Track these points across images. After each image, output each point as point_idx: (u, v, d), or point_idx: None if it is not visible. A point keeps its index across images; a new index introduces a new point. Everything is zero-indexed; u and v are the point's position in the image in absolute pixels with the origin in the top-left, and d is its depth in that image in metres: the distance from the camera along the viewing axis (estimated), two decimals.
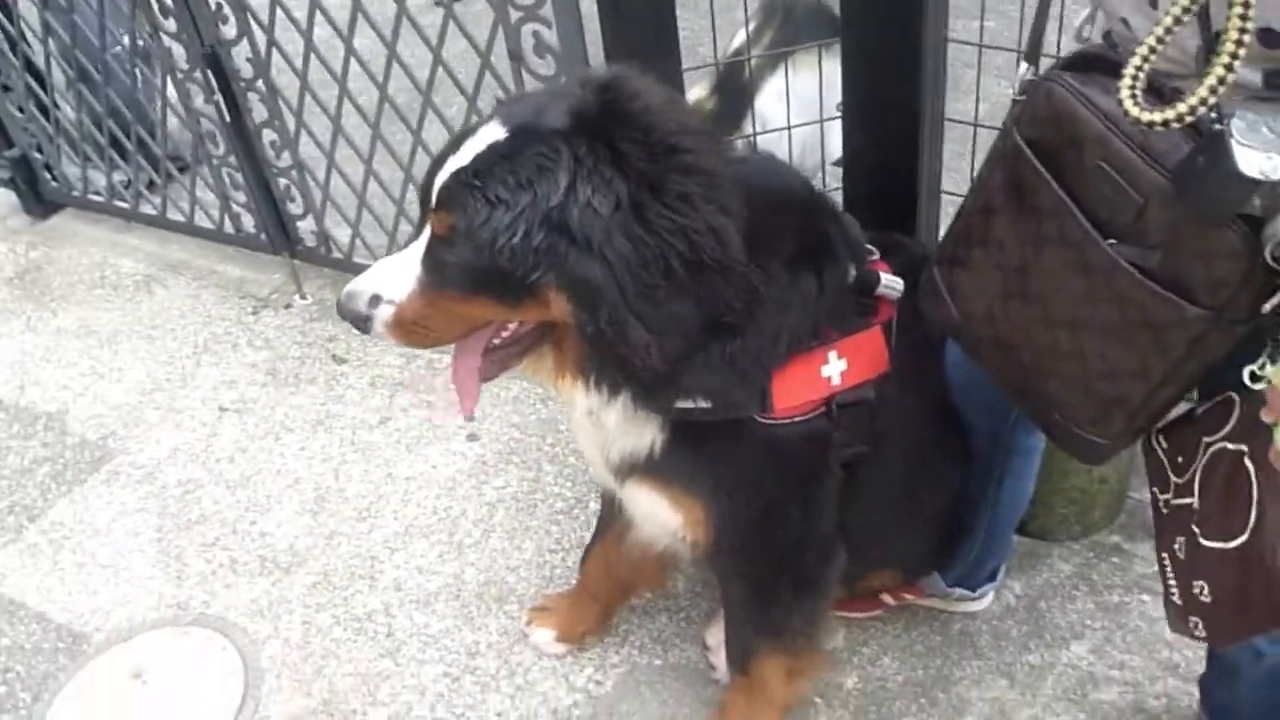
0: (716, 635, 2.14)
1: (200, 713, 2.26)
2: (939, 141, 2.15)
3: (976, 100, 2.25)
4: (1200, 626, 1.30)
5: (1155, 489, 1.36)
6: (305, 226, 3.30)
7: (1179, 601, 1.33)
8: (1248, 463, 1.18)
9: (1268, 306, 1.09)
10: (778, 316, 1.50)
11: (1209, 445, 1.23)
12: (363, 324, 1.47)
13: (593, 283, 1.34)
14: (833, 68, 2.13)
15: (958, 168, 2.53)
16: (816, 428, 1.61)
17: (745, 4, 2.56)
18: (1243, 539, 1.19)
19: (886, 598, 2.18)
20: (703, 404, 1.54)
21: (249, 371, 3.14)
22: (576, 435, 1.88)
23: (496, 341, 1.54)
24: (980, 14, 2.37)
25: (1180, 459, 1.29)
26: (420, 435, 2.84)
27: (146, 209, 3.73)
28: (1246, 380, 1.15)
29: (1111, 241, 1.14)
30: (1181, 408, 1.33)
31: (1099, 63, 1.19)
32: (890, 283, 1.63)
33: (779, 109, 2.55)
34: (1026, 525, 2.32)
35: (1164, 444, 1.32)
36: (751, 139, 2.59)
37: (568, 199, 1.32)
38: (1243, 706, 1.73)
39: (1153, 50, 1.02)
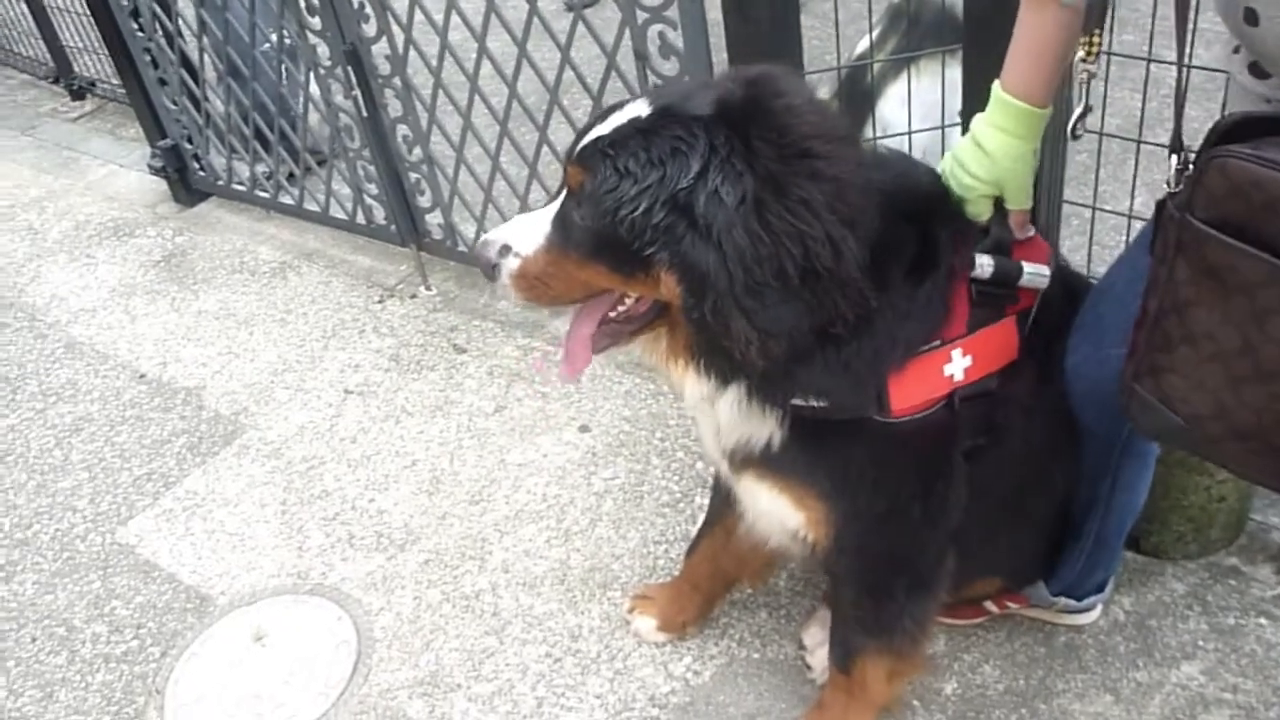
0: (814, 635, 2.15)
1: (315, 676, 2.37)
2: (1062, 150, 2.13)
3: (1103, 111, 2.22)
4: None
5: None
6: (433, 220, 3.42)
7: None
8: None
9: None
10: (894, 323, 1.50)
11: None
12: (490, 271, 1.55)
13: (704, 269, 1.37)
14: (956, 73, 2.14)
15: (1085, 180, 2.50)
16: (938, 421, 1.61)
17: (870, 9, 2.57)
18: None
19: (990, 605, 2.16)
20: (818, 403, 1.55)
21: (374, 357, 3.27)
22: (696, 421, 1.91)
23: (613, 314, 1.59)
24: (1110, 22, 2.33)
25: None
26: (534, 424, 2.92)
27: (285, 199, 3.91)
28: None
29: None
30: None
31: (1254, 126, 1.18)
32: (1034, 272, 1.62)
33: (901, 114, 2.55)
34: (1141, 542, 2.28)
35: None
36: (872, 144, 2.60)
37: (697, 183, 1.36)
38: None
39: None
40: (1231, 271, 1.19)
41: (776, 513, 1.74)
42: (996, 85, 1.57)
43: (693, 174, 1.36)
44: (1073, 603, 2.09)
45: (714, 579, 2.22)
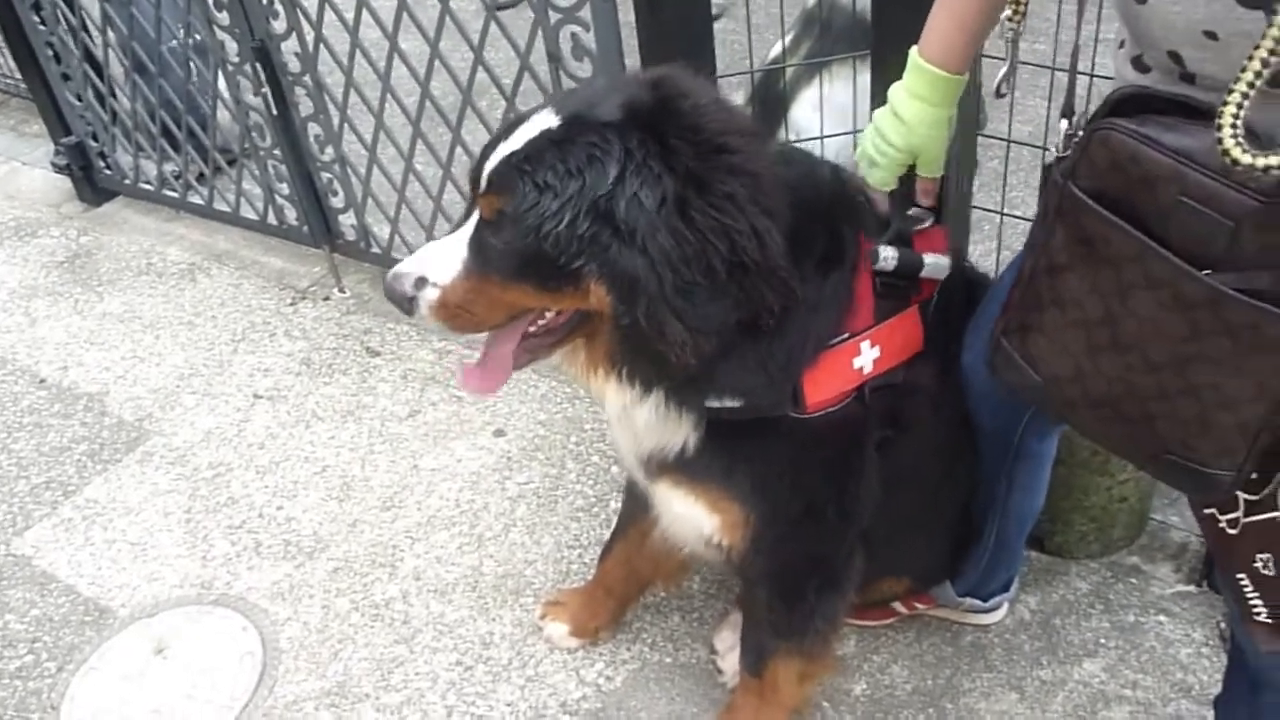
0: (725, 639, 2.15)
1: (218, 689, 2.30)
2: (971, 154, 2.15)
3: (1010, 119, 2.25)
4: None
5: (1214, 510, 1.33)
6: (346, 221, 3.36)
7: (1270, 620, 1.30)
8: None
9: None
10: (809, 318, 1.51)
11: None
12: (407, 305, 1.50)
13: (633, 274, 1.35)
14: (868, 79, 2.15)
15: (995, 186, 2.54)
16: (850, 414, 1.61)
17: (783, 14, 2.58)
18: None
19: (899, 606, 2.18)
20: (733, 403, 1.55)
21: (284, 360, 3.20)
22: (612, 430, 1.90)
23: (532, 329, 1.56)
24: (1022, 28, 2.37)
25: (1255, 475, 1.27)
26: (448, 429, 2.88)
27: (194, 199, 3.81)
28: None
29: (1207, 273, 1.13)
30: None
31: (1142, 102, 1.19)
32: (934, 263, 1.64)
33: (814, 118, 2.57)
34: (1045, 542, 2.32)
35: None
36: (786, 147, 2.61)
37: (615, 190, 1.35)
38: None
39: (1245, 95, 1.01)
40: (1104, 243, 1.21)
41: (692, 518, 1.74)
42: (914, 52, 1.58)
43: (611, 180, 1.35)
44: (978, 603, 2.12)
45: (627, 583, 2.21)
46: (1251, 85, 1.01)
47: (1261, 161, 1.01)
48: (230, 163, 3.67)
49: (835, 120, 2.47)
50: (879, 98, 2.04)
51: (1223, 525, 1.32)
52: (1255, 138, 1.03)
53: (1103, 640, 2.17)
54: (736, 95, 2.85)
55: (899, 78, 1.62)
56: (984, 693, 2.11)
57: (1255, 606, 1.32)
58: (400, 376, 3.08)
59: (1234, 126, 1.02)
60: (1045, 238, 1.29)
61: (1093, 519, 2.25)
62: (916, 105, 1.59)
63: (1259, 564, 1.29)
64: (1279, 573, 1.28)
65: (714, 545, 1.77)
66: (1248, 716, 1.73)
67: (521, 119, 1.46)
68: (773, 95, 2.76)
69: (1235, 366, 1.17)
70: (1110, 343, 1.26)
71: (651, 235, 1.34)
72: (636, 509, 2.04)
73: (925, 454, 1.78)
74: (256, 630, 2.42)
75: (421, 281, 1.49)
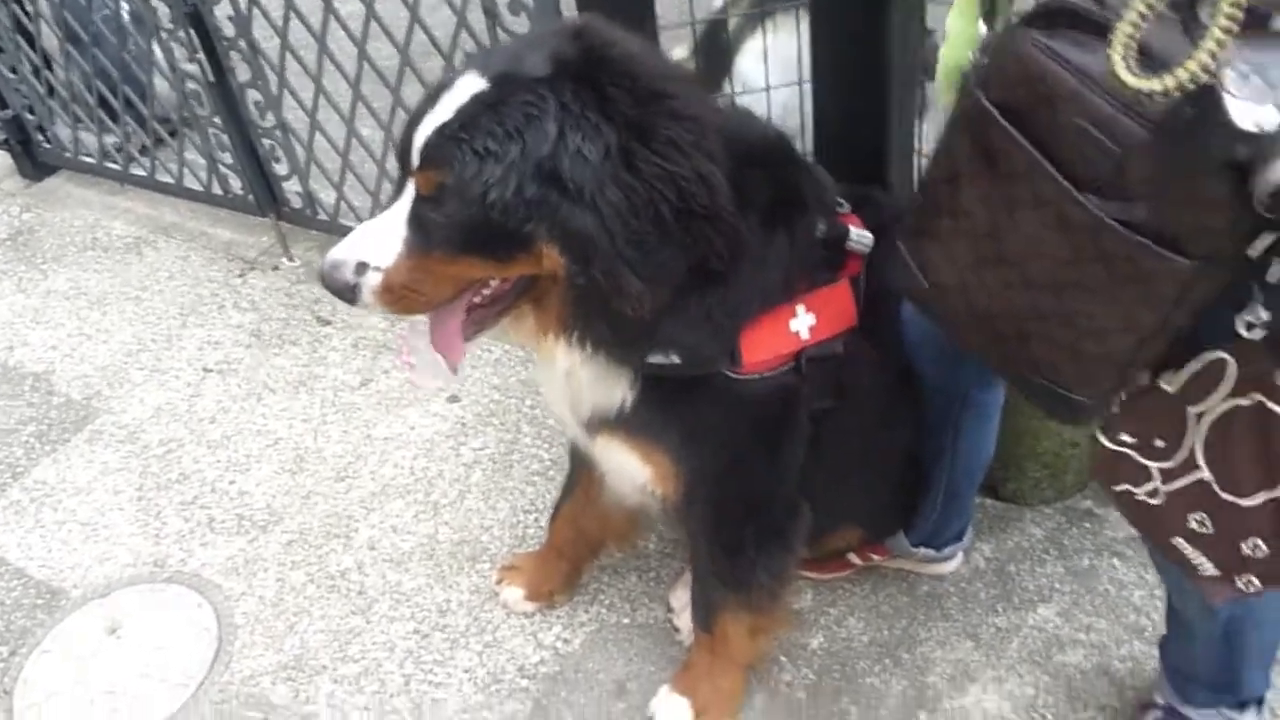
0: (680, 598, 2.15)
1: (174, 667, 2.28)
2: (911, 99, 2.12)
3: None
4: (1257, 580, 1.27)
5: (1128, 485, 1.32)
6: (291, 188, 3.30)
7: (1217, 571, 1.30)
8: (1274, 406, 1.15)
9: (1255, 250, 1.06)
10: (752, 271, 1.49)
11: (1202, 414, 1.21)
12: (349, 294, 1.43)
13: (585, 232, 1.32)
14: None
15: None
16: (785, 382, 1.61)
17: None
18: None
19: (853, 558, 2.18)
20: (674, 359, 1.53)
21: (234, 333, 3.15)
22: (546, 393, 1.87)
23: (477, 300, 1.52)
24: None
25: (1161, 442, 1.25)
26: (400, 397, 2.85)
27: (137, 171, 3.73)
28: (1242, 331, 1.12)
29: (1091, 198, 1.11)
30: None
31: (1063, 15, 1.15)
32: (859, 237, 1.62)
33: (759, 70, 2.52)
34: (999, 489, 2.32)
35: (1130, 438, 1.29)
36: (731, 100, 2.57)
37: (558, 148, 1.31)
38: (1199, 666, 1.72)
39: (1143, 16, 0.98)
40: (1004, 157, 1.19)
41: (628, 469, 1.73)
42: None
43: (552, 138, 1.31)
44: (933, 553, 2.12)
45: (578, 544, 2.20)
46: (1150, 6, 0.98)
47: (1145, 85, 0.98)
48: (172, 133, 3.59)
49: (781, 71, 2.42)
50: (821, 47, 2.01)
51: (1141, 498, 1.32)
52: (1150, 61, 1.01)
53: (1057, 585, 2.18)
54: (679, 48, 2.80)
55: (841, 27, 1.57)
56: (940, 641, 2.12)
57: (1199, 563, 1.32)
58: (352, 345, 3.04)
59: (1126, 47, 0.99)
60: (950, 145, 1.27)
61: (1045, 465, 2.24)
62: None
63: (1194, 524, 1.29)
64: (1216, 528, 1.27)
65: (651, 496, 1.76)
66: (1186, 654, 1.75)
67: (444, 85, 1.41)
68: (717, 47, 2.70)
69: (1108, 296, 1.16)
70: (995, 257, 1.25)
71: (600, 190, 1.31)
72: (581, 470, 2.03)
73: (866, 414, 1.77)
74: (211, 606, 2.39)
75: (362, 266, 1.43)
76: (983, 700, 2.01)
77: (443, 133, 1.36)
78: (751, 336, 1.55)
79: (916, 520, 2.04)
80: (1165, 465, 1.27)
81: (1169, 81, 0.96)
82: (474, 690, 2.15)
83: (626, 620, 2.23)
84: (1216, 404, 1.19)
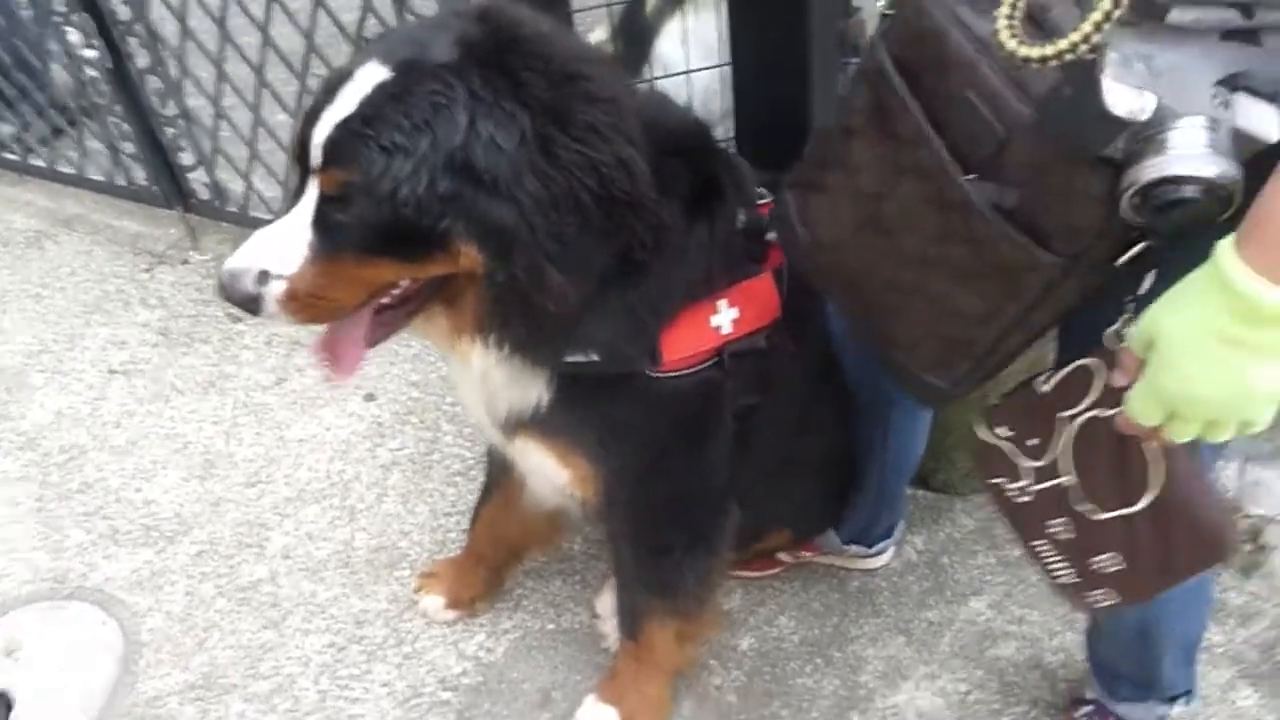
0: (606, 603, 2.08)
1: (75, 690, 2.16)
2: (833, 81, 2.05)
3: None
4: (1108, 595, 1.23)
5: (1001, 480, 1.28)
6: (197, 179, 3.15)
7: (1074, 579, 1.26)
8: None
9: (1122, 260, 1.01)
10: (673, 264, 1.41)
11: (1073, 418, 1.16)
12: (252, 305, 1.32)
13: (504, 226, 1.24)
14: None
15: None
16: (708, 378, 1.53)
17: None
18: (1153, 495, 1.12)
19: (784, 556, 2.13)
20: (592, 357, 1.45)
21: (140, 331, 3.01)
22: (461, 394, 1.78)
23: (385, 300, 1.42)
24: None
25: (1034, 441, 1.21)
26: (316, 396, 2.74)
27: (36, 162, 3.56)
28: (1108, 343, 1.08)
29: (971, 177, 1.05)
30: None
31: None
32: None
33: (680, 53, 2.44)
34: (930, 480, 2.28)
35: (1007, 432, 1.24)
36: (650, 84, 2.49)
37: (469, 137, 1.22)
38: (1120, 664, 1.70)
39: None
40: (895, 117, 1.12)
41: (546, 471, 1.65)
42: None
43: (463, 129, 1.22)
44: (864, 549, 2.08)
45: (498, 548, 2.12)
46: None
47: (1024, 51, 0.92)
48: (71, 123, 3.42)
49: (702, 54, 2.34)
50: (739, 27, 1.93)
51: (1011, 494, 1.28)
52: (1042, 32, 0.94)
53: (989, 577, 2.14)
54: (597, 30, 2.71)
55: (759, 6, 1.48)
56: (871, 638, 2.07)
57: (1057, 570, 1.29)
58: (264, 342, 2.92)
59: (1012, 9, 0.94)
60: (852, 96, 1.20)
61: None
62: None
63: (1057, 528, 1.25)
64: (1080, 535, 1.23)
65: (571, 498, 1.69)
66: (1108, 655, 1.72)
67: (343, 76, 1.29)
68: (636, 29, 2.62)
69: (972, 282, 1.11)
70: (873, 221, 1.20)
71: (516, 180, 1.23)
72: (500, 472, 1.96)
73: (793, 410, 1.70)
74: (116, 623, 2.28)
75: (264, 276, 1.32)
76: (915, 698, 1.97)
77: (346, 128, 1.25)
78: (672, 333, 1.47)
79: (847, 517, 1.99)
80: (1036, 464, 1.23)
81: (1048, 50, 0.91)
82: (393, 705, 2.06)
83: (551, 626, 2.16)
84: (1082, 412, 1.15)
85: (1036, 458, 1.22)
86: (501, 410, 1.60)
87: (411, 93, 1.24)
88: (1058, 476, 1.21)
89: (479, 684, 2.07)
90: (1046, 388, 1.18)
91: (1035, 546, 1.29)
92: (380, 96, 1.25)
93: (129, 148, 3.17)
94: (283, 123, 2.85)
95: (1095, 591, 1.25)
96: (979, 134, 1.02)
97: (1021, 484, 1.25)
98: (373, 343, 1.47)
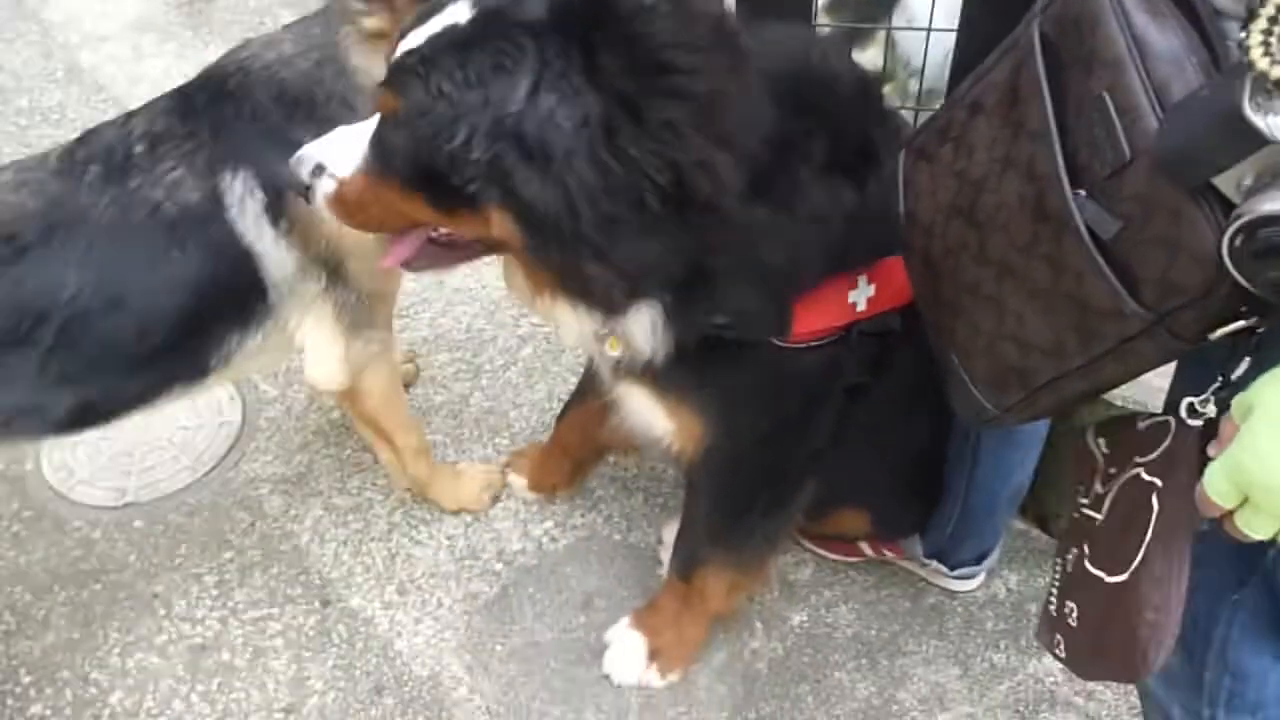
0: (671, 532, 2.04)
1: (188, 451, 2.32)
2: None
3: None
4: (1061, 647, 1.13)
5: (1079, 487, 1.16)
6: None
7: (1053, 613, 1.16)
8: (1155, 500, 0.99)
9: (1216, 334, 0.88)
10: (814, 232, 1.33)
11: (1138, 465, 1.04)
12: (304, 192, 1.38)
13: (543, 207, 1.16)
14: None
15: None
16: (832, 354, 1.46)
17: None
18: (1122, 577, 1.01)
19: (865, 547, 2.03)
20: (721, 321, 1.39)
21: None
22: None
23: (434, 235, 1.41)
24: None
25: (1113, 469, 1.09)
26: None
27: None
28: (1183, 413, 0.95)
29: (1080, 193, 0.93)
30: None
31: None
32: None
33: (926, 6, 2.28)
34: (1048, 523, 2.12)
35: (1104, 449, 1.12)
36: (889, 32, 2.34)
37: (526, 107, 1.14)
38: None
39: None
40: (1025, 105, 1.00)
41: (650, 419, 1.61)
42: None
43: (522, 95, 1.14)
44: (944, 569, 1.96)
45: (583, 448, 2.13)
46: None
47: (1277, 73, 0.76)
48: None
49: (945, 15, 2.18)
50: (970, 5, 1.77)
51: (1075, 509, 1.16)
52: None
53: None
54: None
55: None
56: (926, 659, 1.97)
57: (1051, 595, 1.17)
58: None
59: (1270, 26, 0.77)
60: (990, 67, 1.08)
61: None
62: None
63: (1070, 557, 1.14)
64: (1073, 572, 1.13)
65: (666, 446, 1.64)
66: None
67: (438, 5, 1.24)
68: None
69: (1043, 305, 1.00)
70: (967, 210, 1.09)
71: (568, 163, 1.13)
72: (593, 384, 1.92)
73: (895, 396, 1.61)
74: (242, 402, 2.43)
75: (320, 169, 1.34)
76: None
77: (408, 58, 1.22)
78: (806, 305, 1.40)
79: (931, 529, 1.88)
80: (1099, 490, 1.12)
81: None
82: (448, 558, 2.12)
83: (618, 537, 2.15)
84: (1143, 464, 1.04)
85: (1103, 484, 1.11)
86: (613, 358, 1.55)
87: (478, 45, 1.17)
88: (1098, 510, 1.10)
89: (532, 566, 2.10)
90: (1142, 425, 1.07)
91: (1056, 564, 1.19)
92: (445, 39, 1.20)
93: None
94: None
95: (1057, 635, 1.15)
96: (1102, 148, 0.90)
97: (1084, 501, 1.15)
98: (416, 268, 1.46)
